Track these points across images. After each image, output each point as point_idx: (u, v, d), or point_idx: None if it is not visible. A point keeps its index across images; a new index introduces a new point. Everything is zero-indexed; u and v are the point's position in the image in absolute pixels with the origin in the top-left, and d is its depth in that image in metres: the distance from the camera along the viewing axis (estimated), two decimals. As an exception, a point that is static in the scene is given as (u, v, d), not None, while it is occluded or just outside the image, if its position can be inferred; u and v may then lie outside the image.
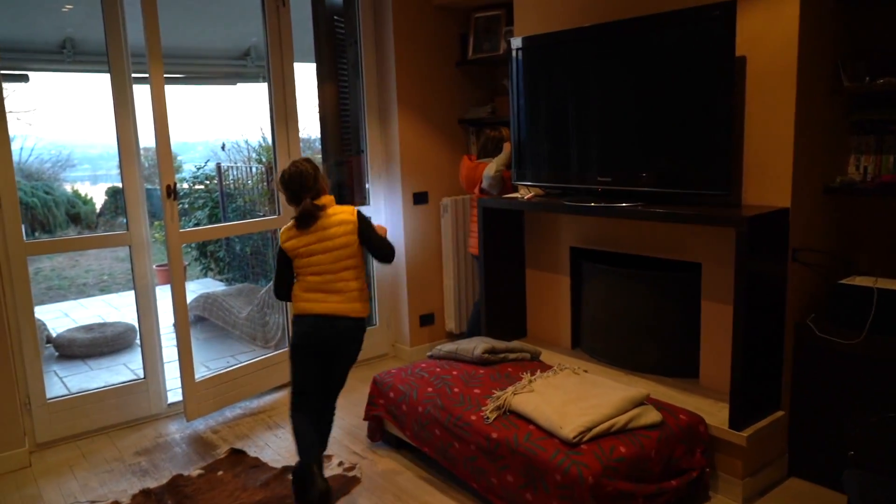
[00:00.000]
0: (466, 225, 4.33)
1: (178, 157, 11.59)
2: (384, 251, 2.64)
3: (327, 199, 2.63)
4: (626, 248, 3.27)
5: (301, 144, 4.07)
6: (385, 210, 4.42)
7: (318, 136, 4.60)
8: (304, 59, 4.10)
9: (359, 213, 2.64)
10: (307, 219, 2.57)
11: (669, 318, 3.12)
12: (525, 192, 3.56)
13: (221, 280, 7.93)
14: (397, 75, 4.18)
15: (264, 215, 7.28)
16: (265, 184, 6.81)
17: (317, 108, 4.53)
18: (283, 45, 3.86)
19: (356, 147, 4.51)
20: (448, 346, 3.30)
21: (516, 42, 3.41)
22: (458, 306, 4.43)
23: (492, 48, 4.24)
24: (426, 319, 4.44)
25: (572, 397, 2.57)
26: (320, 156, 4.83)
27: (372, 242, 2.63)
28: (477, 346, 3.19)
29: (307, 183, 2.59)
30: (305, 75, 4.27)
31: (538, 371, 2.91)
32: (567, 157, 3.23)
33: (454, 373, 3.07)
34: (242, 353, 5.05)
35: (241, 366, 3.83)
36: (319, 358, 2.65)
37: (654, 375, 3.16)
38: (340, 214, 2.60)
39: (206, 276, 8.15)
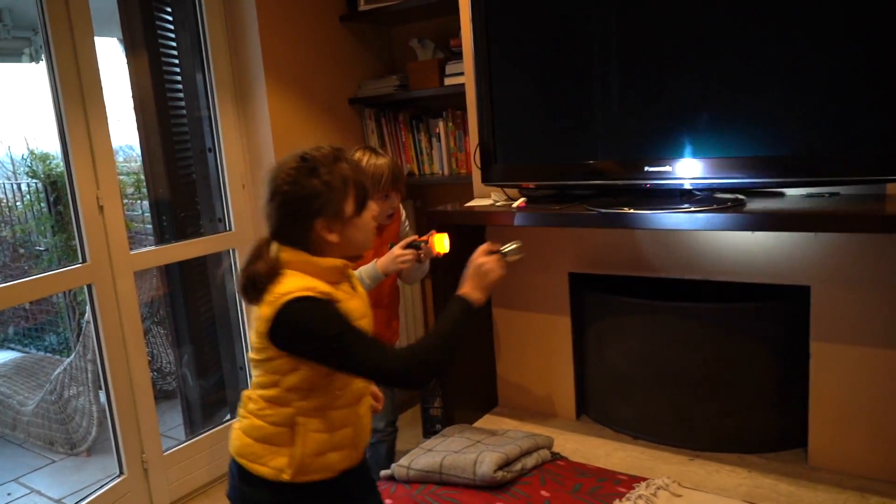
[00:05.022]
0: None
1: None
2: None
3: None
4: (665, 271, 2.21)
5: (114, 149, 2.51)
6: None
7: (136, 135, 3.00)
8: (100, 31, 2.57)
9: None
10: None
11: (753, 369, 2.12)
12: (499, 197, 2.37)
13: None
14: (262, 37, 2.76)
15: (47, 250, 5.33)
16: (47, 206, 4.89)
17: (129, 97, 2.93)
18: (70, 4, 2.30)
19: (199, 145, 3.00)
20: (423, 459, 2.01)
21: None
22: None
23: (394, -6, 2.96)
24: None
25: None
26: (139, 163, 3.24)
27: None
28: (478, 455, 1.94)
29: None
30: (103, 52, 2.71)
31: (613, 501, 1.74)
32: (584, 137, 2.08)
33: (455, 515, 1.80)
34: (34, 469, 3.28)
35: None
36: None
37: (729, 454, 2.14)
38: None
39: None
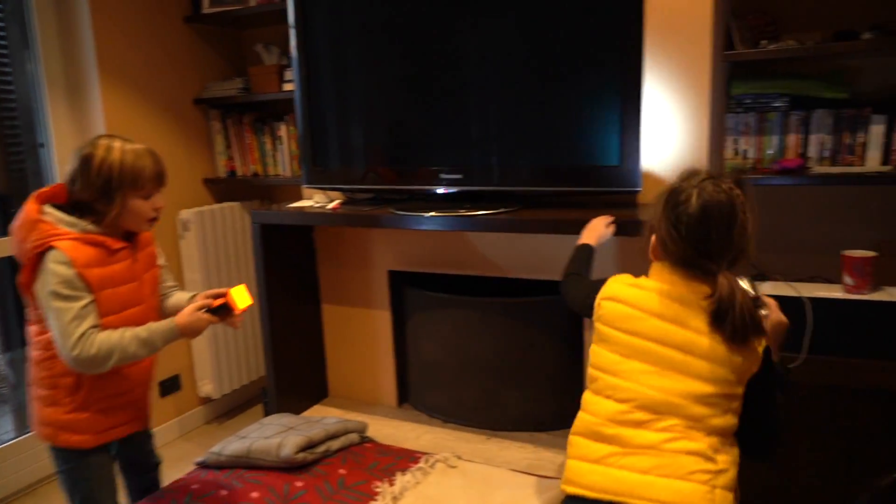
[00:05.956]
0: (222, 247, 3.08)
1: None
2: None
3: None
4: (472, 269, 2.43)
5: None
6: (90, 233, 2.97)
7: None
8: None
9: None
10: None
11: (541, 356, 2.36)
12: (322, 199, 2.51)
13: None
14: (96, 31, 2.77)
15: None
16: None
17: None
18: None
19: (31, 140, 2.96)
20: (234, 445, 2.12)
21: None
22: (216, 361, 3.17)
23: None
24: (169, 386, 3.10)
25: (476, 520, 1.64)
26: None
27: None
28: (283, 439, 2.07)
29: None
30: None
31: (396, 473, 1.92)
32: (392, 147, 2.27)
33: (255, 494, 1.92)
34: None
35: None
36: None
37: (523, 433, 2.38)
38: None
39: None
